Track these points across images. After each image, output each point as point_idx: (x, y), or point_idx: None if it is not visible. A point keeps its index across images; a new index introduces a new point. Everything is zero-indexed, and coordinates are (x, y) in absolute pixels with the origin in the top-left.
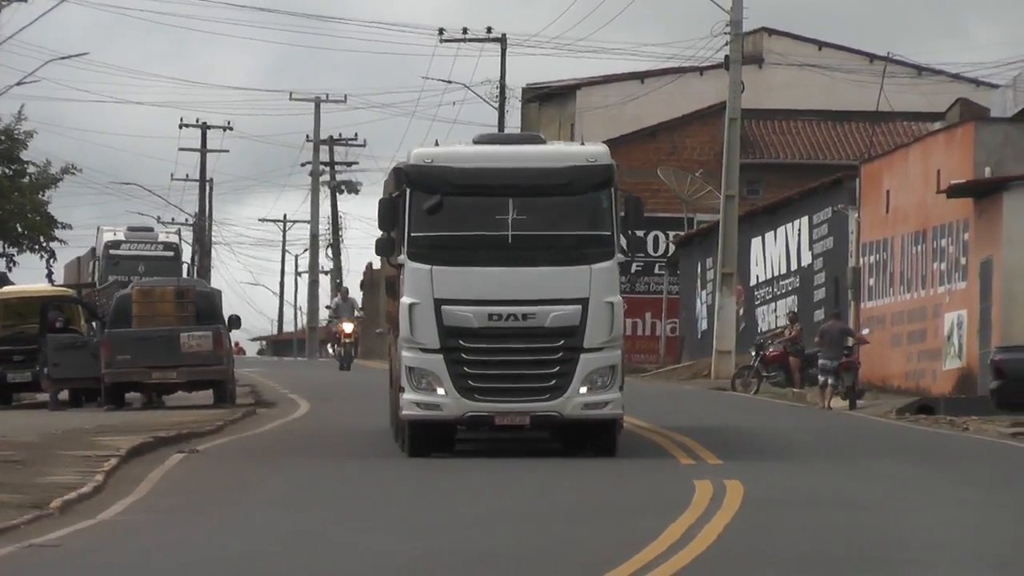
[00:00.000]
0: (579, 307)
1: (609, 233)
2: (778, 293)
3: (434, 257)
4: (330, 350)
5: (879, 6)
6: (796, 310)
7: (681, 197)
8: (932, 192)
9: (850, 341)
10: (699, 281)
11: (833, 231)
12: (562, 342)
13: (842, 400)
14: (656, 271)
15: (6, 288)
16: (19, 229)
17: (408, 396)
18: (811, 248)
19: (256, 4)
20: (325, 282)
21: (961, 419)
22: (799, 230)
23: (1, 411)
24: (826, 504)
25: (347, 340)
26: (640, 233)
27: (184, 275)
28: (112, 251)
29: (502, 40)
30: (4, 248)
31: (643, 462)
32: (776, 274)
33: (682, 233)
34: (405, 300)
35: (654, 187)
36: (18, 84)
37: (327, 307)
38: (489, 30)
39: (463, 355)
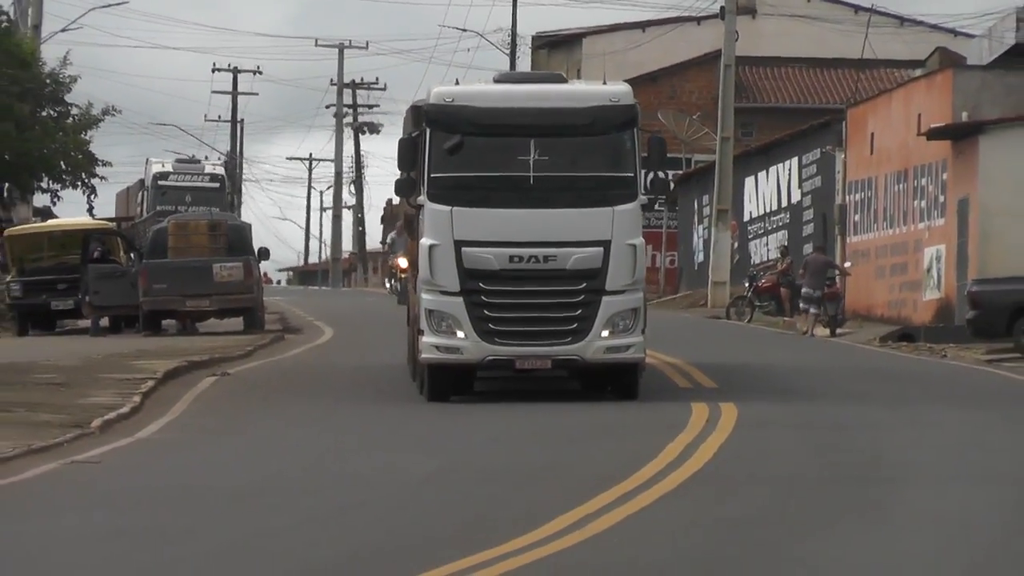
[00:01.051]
0: (601, 249)
1: (632, 174)
2: (770, 228)
3: (454, 198)
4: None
5: None
6: (786, 244)
7: (680, 138)
8: (913, 134)
9: (832, 273)
10: (696, 217)
11: (821, 170)
12: (584, 285)
13: (823, 328)
14: (656, 207)
15: (50, 221)
16: (63, 166)
17: (428, 339)
18: (800, 186)
19: None
20: (348, 216)
21: (939, 346)
22: (789, 169)
23: (45, 336)
24: (812, 425)
25: (403, 275)
26: (663, 174)
27: (230, 206)
28: (160, 182)
29: None
30: (49, 184)
31: (644, 386)
32: (768, 210)
33: (680, 172)
34: (425, 241)
35: (655, 128)
36: (62, 31)
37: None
38: None
39: (483, 298)
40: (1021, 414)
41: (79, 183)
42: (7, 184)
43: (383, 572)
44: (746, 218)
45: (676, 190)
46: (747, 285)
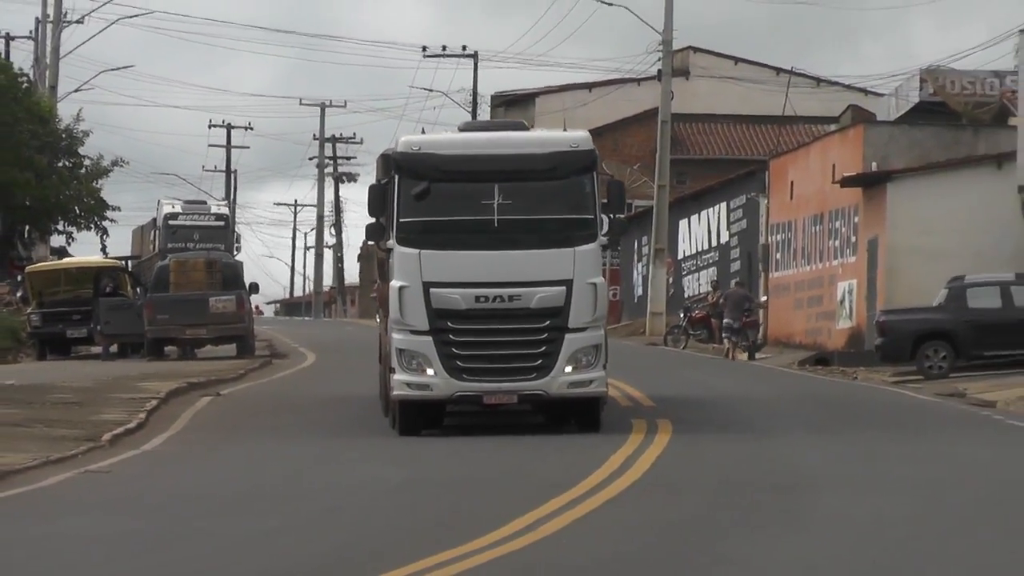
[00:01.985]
0: (563, 288)
1: (592, 216)
2: (701, 265)
3: (422, 241)
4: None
5: (785, 27)
6: (716, 279)
7: (630, 183)
8: (828, 182)
9: (749, 305)
10: (636, 255)
11: (747, 214)
12: (547, 323)
13: (742, 353)
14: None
15: (66, 260)
16: (77, 211)
17: (399, 377)
18: (729, 228)
19: (272, 25)
20: (328, 255)
21: (851, 369)
22: (719, 213)
23: (61, 361)
24: (738, 439)
25: None
26: (621, 216)
27: (234, 242)
28: (171, 221)
29: (475, 56)
30: (64, 226)
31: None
32: (700, 249)
33: (622, 216)
34: (395, 283)
35: (601, 178)
36: (76, 91)
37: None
38: (464, 48)
39: (451, 336)
40: (924, 429)
41: (92, 225)
42: (27, 226)
43: (360, 568)
44: (680, 256)
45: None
46: (682, 316)
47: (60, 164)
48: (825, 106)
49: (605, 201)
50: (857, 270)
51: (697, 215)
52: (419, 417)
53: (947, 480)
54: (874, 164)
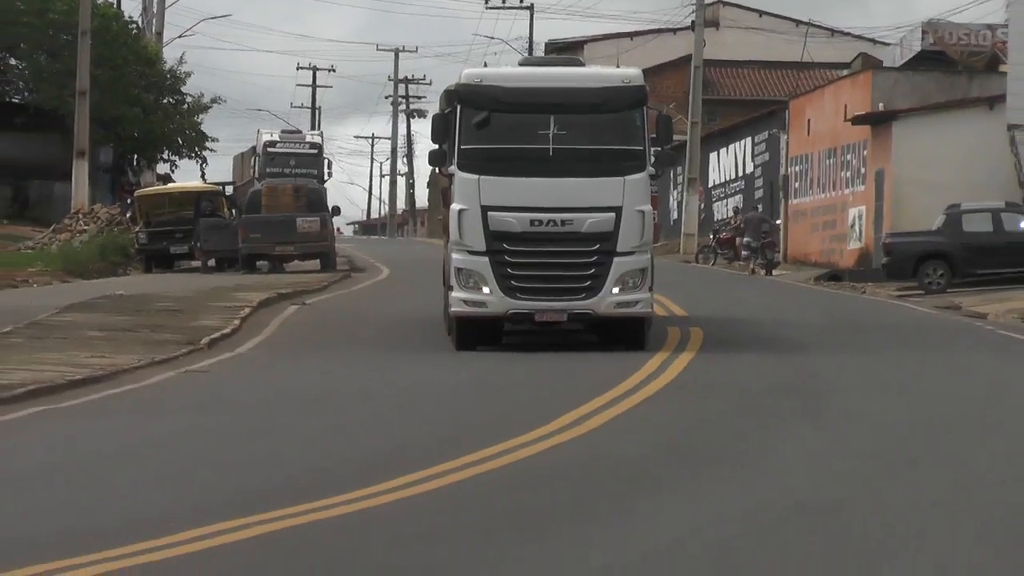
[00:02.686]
0: (613, 215)
1: (641, 148)
2: (729, 193)
3: (482, 167)
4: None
5: None
6: (741, 206)
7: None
8: (841, 120)
9: (766, 227)
10: (672, 183)
11: (769, 148)
12: (597, 246)
13: (761, 270)
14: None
15: (169, 185)
16: (179, 142)
17: (456, 294)
18: (753, 160)
19: None
20: (401, 182)
21: (860, 285)
22: (744, 147)
23: (165, 274)
24: (762, 346)
25: None
26: (669, 149)
27: (325, 168)
28: (269, 149)
29: (531, 8)
30: (168, 156)
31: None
32: (728, 179)
33: (661, 150)
34: (455, 206)
35: (650, 113)
36: (179, 37)
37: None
38: (521, 0)
39: (507, 257)
40: (925, 338)
41: (192, 155)
42: (135, 156)
43: (429, 454)
44: (710, 184)
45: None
46: (711, 237)
47: (164, 101)
48: (839, 54)
49: (654, 135)
50: (866, 198)
51: (725, 148)
52: (475, 333)
53: (946, 383)
54: (881, 105)
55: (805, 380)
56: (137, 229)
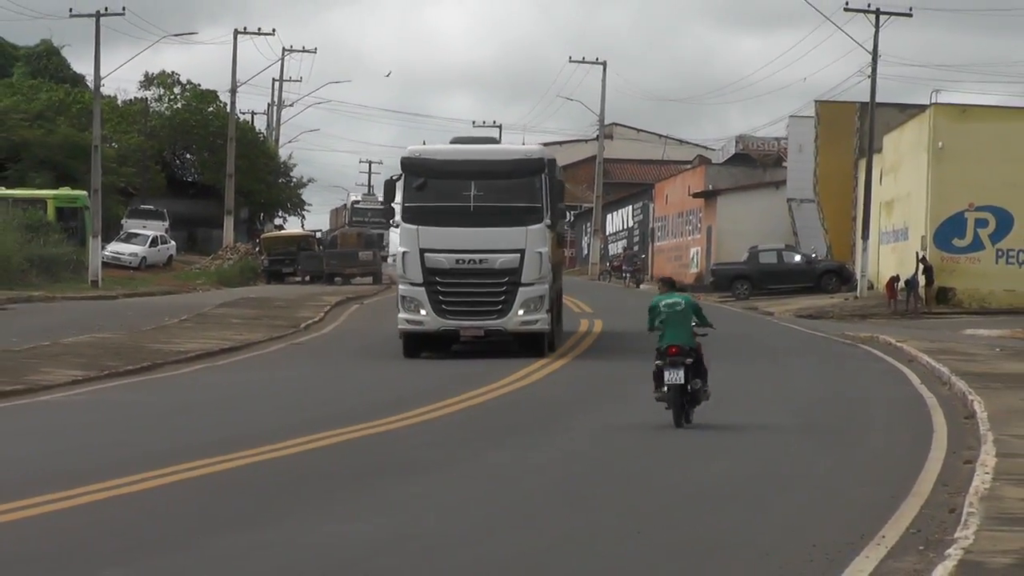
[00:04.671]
0: (518, 255)
1: (539, 205)
2: (618, 238)
3: (420, 220)
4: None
5: (663, 113)
6: (625, 246)
7: (578, 196)
8: (686, 195)
9: (636, 260)
10: (583, 232)
11: (643, 211)
12: (506, 279)
13: (635, 286)
14: (566, 227)
15: (282, 231)
16: (288, 205)
17: (401, 315)
18: (633, 219)
19: (398, 107)
20: None
21: (696, 295)
22: (628, 211)
23: (279, 284)
24: (639, 333)
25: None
26: (561, 206)
27: (392, 217)
28: (355, 205)
29: (604, 65)
30: (281, 214)
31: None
32: (617, 230)
33: (578, 210)
34: (400, 249)
35: (569, 193)
36: (289, 142)
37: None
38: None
39: (439, 287)
40: (735, 324)
41: (296, 213)
42: (262, 214)
43: (407, 404)
44: (608, 233)
45: (577, 219)
46: (608, 265)
47: (279, 180)
48: (685, 155)
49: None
50: (700, 242)
51: (616, 211)
52: (418, 343)
53: (745, 347)
54: (710, 186)
55: None
56: (262, 258)
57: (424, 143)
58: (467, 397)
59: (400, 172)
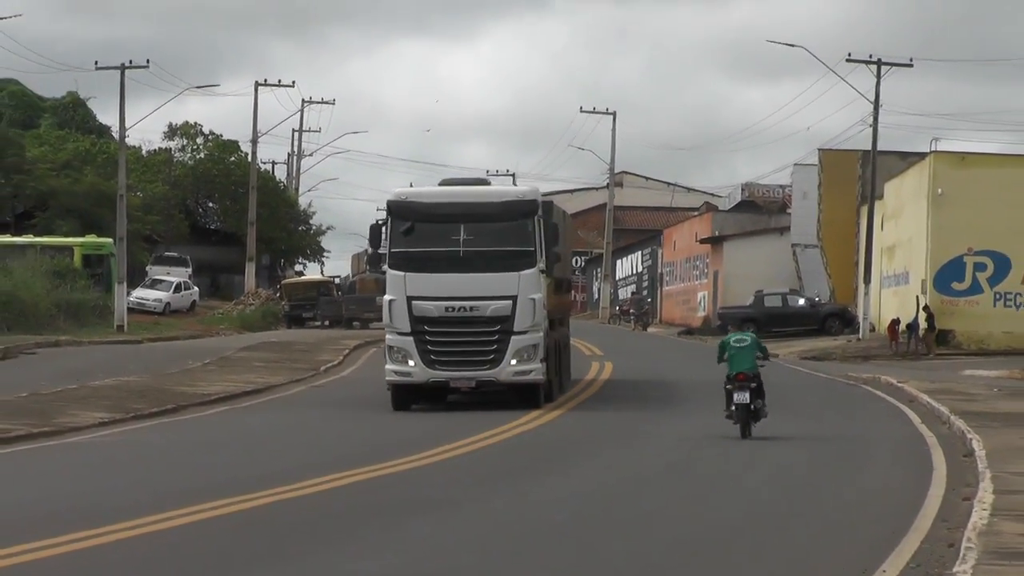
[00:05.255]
0: (510, 302)
1: (532, 248)
2: (628, 283)
3: (407, 266)
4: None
5: (670, 161)
6: (635, 291)
7: (588, 242)
8: (694, 241)
9: (643, 304)
10: (595, 277)
11: (651, 257)
12: (498, 327)
13: (641, 328)
14: (577, 274)
15: (303, 277)
16: (308, 252)
17: (389, 366)
18: (642, 264)
19: (409, 157)
20: None
21: (703, 337)
22: (637, 257)
23: (300, 329)
24: (648, 374)
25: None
26: (556, 249)
27: (380, 265)
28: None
29: (614, 115)
30: (301, 260)
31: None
32: (627, 275)
33: (588, 256)
34: (386, 297)
35: (580, 239)
36: (308, 191)
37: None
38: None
39: (427, 336)
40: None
41: (315, 260)
42: (283, 260)
43: (393, 454)
44: (617, 278)
45: (585, 266)
46: (617, 309)
47: (300, 228)
48: (693, 201)
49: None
50: (707, 287)
51: (626, 257)
52: (407, 396)
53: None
54: (717, 232)
55: (670, 393)
56: (283, 303)
57: (411, 184)
58: (463, 443)
59: (387, 216)
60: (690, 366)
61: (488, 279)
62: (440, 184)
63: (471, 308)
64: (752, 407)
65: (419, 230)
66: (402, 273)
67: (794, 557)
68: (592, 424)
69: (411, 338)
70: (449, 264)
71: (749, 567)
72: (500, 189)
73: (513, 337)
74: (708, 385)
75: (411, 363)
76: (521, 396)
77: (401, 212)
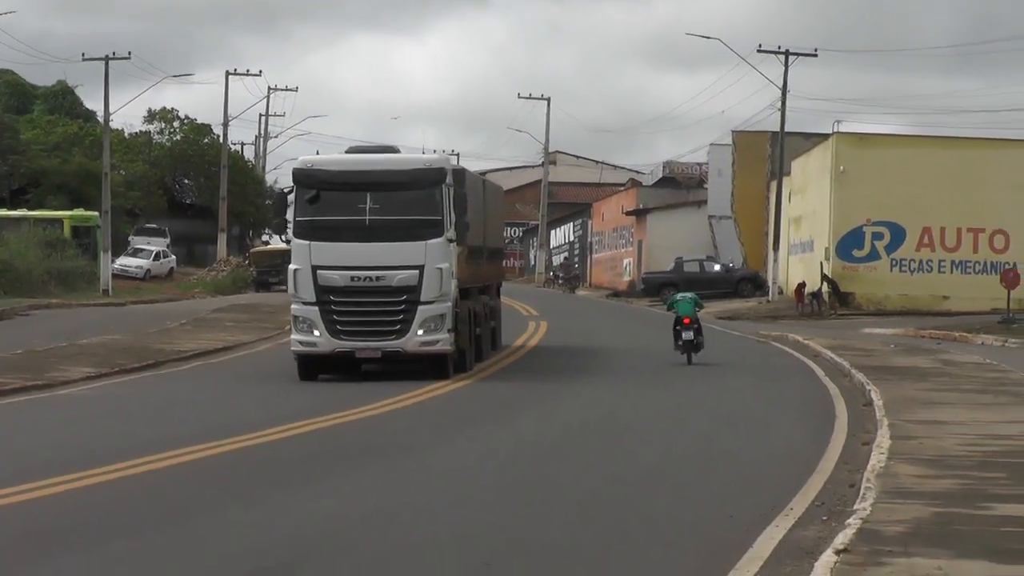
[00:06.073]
0: (417, 271)
1: (440, 218)
2: (561, 251)
3: (312, 235)
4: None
5: (600, 141)
6: (567, 257)
7: (526, 214)
8: (620, 213)
9: (572, 268)
10: (531, 246)
11: (582, 227)
12: (404, 297)
13: (571, 291)
14: (515, 243)
15: (270, 247)
16: (273, 224)
17: (294, 336)
18: (574, 234)
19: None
20: None
21: (628, 299)
22: (569, 228)
23: (266, 293)
24: (580, 331)
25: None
26: (465, 218)
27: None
28: None
29: (548, 100)
30: (268, 232)
31: (514, 312)
32: (560, 244)
33: (525, 227)
34: (291, 267)
35: (518, 212)
36: (274, 169)
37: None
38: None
39: (332, 306)
40: (657, 322)
41: (279, 232)
42: (251, 231)
43: (316, 413)
44: (552, 246)
45: (522, 237)
46: (551, 274)
47: (266, 203)
48: (619, 178)
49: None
50: (632, 255)
51: (560, 227)
52: (313, 366)
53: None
54: (641, 205)
55: (591, 338)
56: (252, 269)
57: (317, 152)
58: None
59: (292, 184)
60: (615, 326)
61: (394, 248)
62: (347, 151)
63: (377, 278)
64: (694, 342)
65: (324, 198)
66: (307, 242)
67: (712, 495)
68: (509, 390)
69: (316, 308)
70: (355, 233)
71: (675, 502)
72: (407, 157)
73: (420, 307)
74: (628, 350)
75: (316, 333)
76: (431, 366)
77: (306, 180)
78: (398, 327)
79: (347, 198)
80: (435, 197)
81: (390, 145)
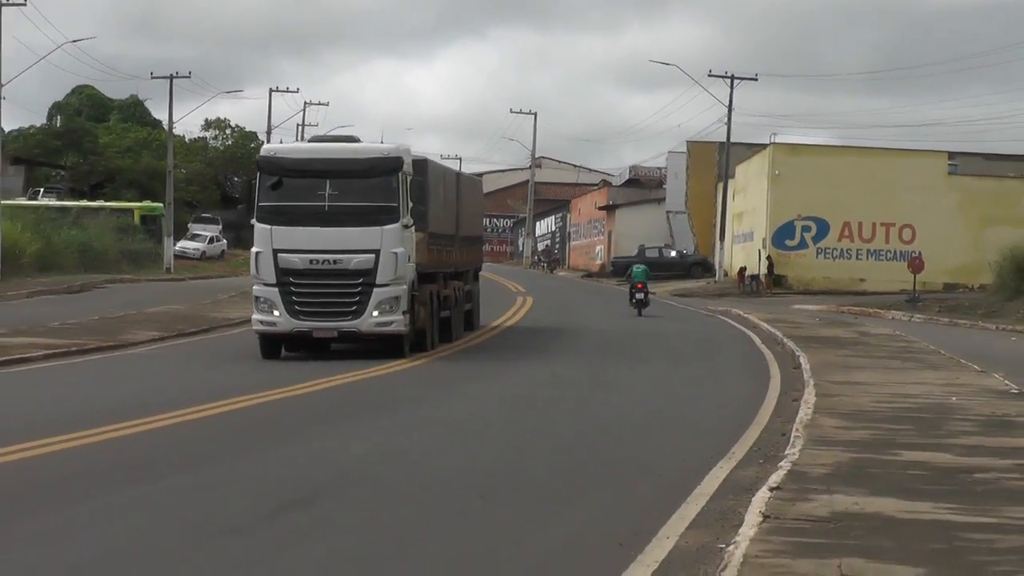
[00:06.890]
0: (373, 255)
1: (396, 204)
2: (544, 240)
3: (274, 220)
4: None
5: (578, 148)
6: (549, 244)
7: (515, 208)
8: (594, 209)
9: (553, 253)
10: (521, 235)
11: (562, 220)
12: (360, 280)
13: (551, 272)
14: (507, 232)
15: None
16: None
17: (255, 316)
18: (556, 225)
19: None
20: None
21: (600, 279)
22: (551, 220)
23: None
24: (565, 307)
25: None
26: (421, 206)
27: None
28: None
29: (535, 115)
30: None
31: (500, 289)
32: (544, 233)
33: (515, 219)
34: (254, 250)
35: (509, 207)
36: (280, 143)
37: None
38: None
39: (292, 288)
40: (621, 299)
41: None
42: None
43: (266, 387)
44: (537, 235)
45: (514, 227)
46: (537, 258)
47: None
48: (593, 179)
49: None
50: (604, 242)
51: (544, 219)
52: (272, 345)
53: (623, 316)
54: (611, 202)
55: (572, 315)
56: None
57: (281, 141)
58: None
59: (256, 171)
60: (585, 301)
61: (352, 233)
62: (310, 141)
63: (335, 261)
64: (644, 300)
65: (287, 185)
66: (268, 227)
67: (666, 443)
68: (461, 369)
69: (276, 289)
70: (314, 218)
71: (636, 450)
72: (366, 146)
73: (375, 289)
74: (594, 329)
75: (276, 313)
76: (387, 346)
77: (269, 167)
78: (354, 308)
79: (308, 184)
80: (392, 184)
81: (350, 135)
